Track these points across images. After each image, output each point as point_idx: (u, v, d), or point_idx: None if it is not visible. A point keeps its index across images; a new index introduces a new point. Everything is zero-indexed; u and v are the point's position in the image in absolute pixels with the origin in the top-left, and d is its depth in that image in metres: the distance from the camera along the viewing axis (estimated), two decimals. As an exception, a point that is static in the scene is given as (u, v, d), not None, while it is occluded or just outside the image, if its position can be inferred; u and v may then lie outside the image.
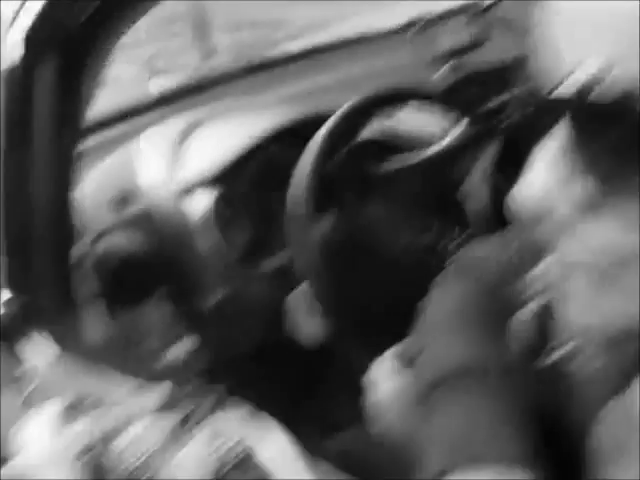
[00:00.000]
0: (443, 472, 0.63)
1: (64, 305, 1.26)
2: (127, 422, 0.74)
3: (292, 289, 1.36)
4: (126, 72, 6.18)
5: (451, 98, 1.57)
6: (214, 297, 1.35)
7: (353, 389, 1.09)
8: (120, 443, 0.71)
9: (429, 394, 0.73)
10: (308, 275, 1.19)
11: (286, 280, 1.36)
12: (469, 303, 0.83)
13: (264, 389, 1.07)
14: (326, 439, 1.19)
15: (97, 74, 1.12)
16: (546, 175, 0.51)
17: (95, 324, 1.29)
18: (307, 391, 1.48)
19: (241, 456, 0.69)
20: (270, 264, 1.43)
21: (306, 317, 1.31)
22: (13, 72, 1.07)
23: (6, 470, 0.71)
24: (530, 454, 0.64)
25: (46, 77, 1.07)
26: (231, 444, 0.69)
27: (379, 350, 1.05)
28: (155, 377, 1.31)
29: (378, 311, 1.25)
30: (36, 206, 1.17)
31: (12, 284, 1.26)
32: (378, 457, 1.04)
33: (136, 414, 0.74)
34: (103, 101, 1.97)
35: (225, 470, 0.67)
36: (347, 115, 1.26)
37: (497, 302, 0.83)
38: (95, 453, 0.71)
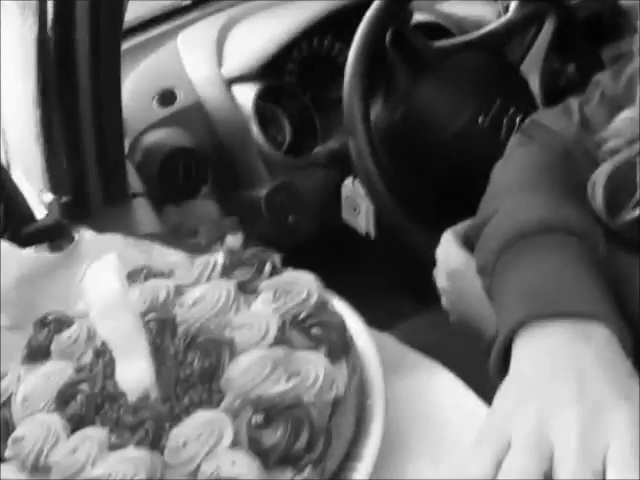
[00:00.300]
0: (521, 323, 0.61)
1: (110, 203, 1.24)
2: (187, 286, 0.71)
3: (346, 176, 1.33)
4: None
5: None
6: (264, 189, 1.31)
7: (413, 274, 1.06)
8: (184, 302, 0.68)
9: (505, 251, 0.69)
10: (360, 163, 1.14)
11: (340, 167, 1.32)
12: (543, 165, 0.80)
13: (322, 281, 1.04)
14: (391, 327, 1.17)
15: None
16: None
17: (142, 220, 1.26)
18: (366, 279, 1.45)
19: (317, 303, 0.67)
20: (321, 152, 1.39)
21: (361, 204, 1.28)
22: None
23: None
24: (608, 311, 0.61)
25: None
26: (303, 296, 0.66)
27: (438, 232, 1.02)
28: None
29: (435, 193, 1.21)
30: (81, 105, 1.14)
31: (54, 186, 1.25)
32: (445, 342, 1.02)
33: (195, 279, 0.71)
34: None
35: (300, 318, 0.65)
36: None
37: (571, 164, 0.80)
38: (161, 310, 0.69)
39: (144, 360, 0.63)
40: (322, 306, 0.68)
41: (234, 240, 1.34)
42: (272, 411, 0.58)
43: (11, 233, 1.13)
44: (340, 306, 0.73)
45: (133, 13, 1.88)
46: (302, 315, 0.65)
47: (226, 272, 0.72)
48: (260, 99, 1.40)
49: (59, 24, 1.06)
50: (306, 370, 0.60)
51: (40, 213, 1.24)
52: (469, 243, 0.95)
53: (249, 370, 0.60)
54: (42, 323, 0.73)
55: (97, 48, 1.09)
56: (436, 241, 1.00)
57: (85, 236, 1.03)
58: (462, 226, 0.98)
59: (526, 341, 0.61)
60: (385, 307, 1.39)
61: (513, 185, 0.80)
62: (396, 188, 1.09)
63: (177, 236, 1.28)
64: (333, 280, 0.98)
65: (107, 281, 0.64)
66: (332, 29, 1.51)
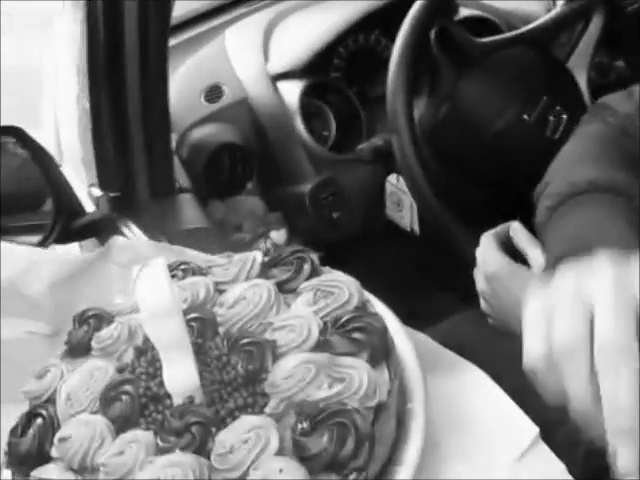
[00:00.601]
0: (559, 259, 0.61)
1: (157, 197, 1.25)
2: (226, 283, 0.71)
3: (390, 172, 1.32)
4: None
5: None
6: (308, 184, 1.31)
7: (456, 272, 1.05)
8: (225, 301, 0.68)
9: (557, 208, 0.75)
10: (403, 162, 1.14)
11: (384, 164, 1.31)
12: (600, 138, 0.85)
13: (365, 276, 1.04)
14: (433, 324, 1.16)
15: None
16: None
17: (188, 216, 1.27)
18: (410, 275, 1.45)
19: (358, 306, 0.66)
20: (365, 149, 1.38)
21: (405, 201, 1.27)
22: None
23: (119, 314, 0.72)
24: None
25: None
26: (344, 299, 0.66)
27: (481, 231, 1.01)
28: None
29: (479, 192, 1.20)
30: (129, 100, 1.16)
31: (103, 181, 1.26)
32: (486, 340, 1.01)
33: (234, 277, 0.71)
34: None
35: (341, 321, 0.65)
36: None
37: (628, 139, 0.83)
38: (201, 309, 0.69)
39: (191, 363, 0.62)
40: (363, 309, 0.67)
41: (278, 235, 1.36)
42: (317, 417, 0.58)
43: (61, 227, 1.15)
44: (379, 307, 0.72)
45: (182, 9, 1.91)
46: (344, 318, 0.65)
47: (264, 271, 0.72)
48: (305, 95, 1.40)
49: (108, 20, 1.07)
50: (350, 376, 0.60)
51: (89, 208, 1.26)
52: (508, 246, 0.96)
53: (293, 374, 0.60)
54: (81, 319, 0.73)
55: (145, 44, 1.10)
56: (479, 241, 1.00)
57: (116, 241, 1.03)
58: (502, 228, 0.98)
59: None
60: (428, 303, 1.39)
61: (572, 154, 0.85)
62: (440, 187, 1.08)
63: (222, 231, 1.29)
64: (376, 275, 0.98)
65: (157, 285, 0.64)
66: (378, 25, 1.50)
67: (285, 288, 0.70)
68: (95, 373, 0.66)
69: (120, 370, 0.66)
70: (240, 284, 0.70)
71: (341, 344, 0.63)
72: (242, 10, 1.84)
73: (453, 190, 1.13)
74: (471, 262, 0.99)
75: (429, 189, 1.11)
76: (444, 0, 1.24)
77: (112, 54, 1.11)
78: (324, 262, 0.75)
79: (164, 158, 1.22)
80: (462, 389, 0.71)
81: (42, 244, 1.15)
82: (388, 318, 0.71)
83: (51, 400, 0.67)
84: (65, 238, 1.21)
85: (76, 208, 1.22)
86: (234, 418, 0.59)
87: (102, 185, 1.25)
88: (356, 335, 0.63)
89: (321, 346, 0.63)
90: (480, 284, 0.96)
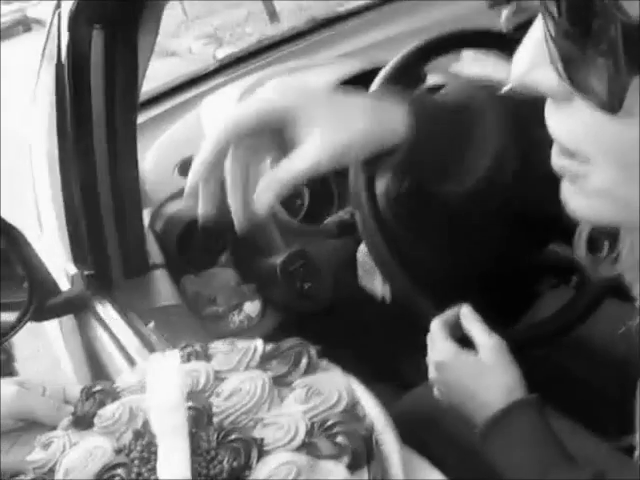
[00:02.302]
0: None
1: (130, 276, 1.25)
2: (227, 372, 0.74)
3: (361, 242, 1.30)
4: (194, 45, 6.23)
5: (517, 41, 1.48)
6: (280, 256, 1.31)
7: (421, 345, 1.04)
8: (222, 392, 0.71)
9: None
10: (366, 237, 1.13)
11: (352, 236, 1.30)
12: None
13: (336, 346, 1.03)
14: (398, 396, 1.15)
15: (148, 44, 1.08)
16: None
17: (162, 292, 1.27)
18: (382, 347, 1.44)
19: (347, 408, 0.68)
20: (331, 223, 1.38)
21: (372, 273, 1.27)
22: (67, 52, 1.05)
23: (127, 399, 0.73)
24: None
25: (97, 52, 1.04)
26: (333, 401, 0.68)
27: (443, 307, 1.00)
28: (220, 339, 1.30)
29: (449, 264, 1.19)
30: (100, 181, 1.16)
31: (76, 258, 1.26)
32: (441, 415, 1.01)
33: (234, 366, 0.74)
34: (172, 72, 1.98)
35: (327, 424, 0.66)
36: (404, 60, 1.19)
37: None
38: (199, 398, 0.70)
39: (185, 454, 0.63)
40: (351, 412, 0.68)
41: (252, 307, 1.35)
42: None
43: (36, 305, 1.15)
44: (370, 406, 0.73)
45: (158, 80, 1.92)
46: (330, 422, 0.66)
47: (263, 362, 0.74)
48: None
49: (75, 104, 1.08)
50: None
51: (65, 285, 1.26)
52: (457, 332, 0.95)
53: (274, 474, 0.61)
54: (88, 393, 0.77)
55: (112, 123, 1.10)
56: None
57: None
58: (451, 313, 0.98)
59: None
60: (400, 373, 1.38)
61: None
62: (404, 259, 1.07)
63: (195, 306, 1.28)
64: (351, 345, 0.97)
65: (170, 378, 0.65)
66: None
67: (281, 382, 0.72)
68: (94, 451, 0.68)
69: (118, 451, 0.68)
70: (238, 374, 0.72)
71: (325, 447, 0.64)
72: (219, 80, 1.86)
73: (422, 265, 1.12)
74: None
75: (393, 263, 1.09)
76: (411, 69, 1.23)
77: (80, 132, 1.11)
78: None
79: (136, 237, 1.21)
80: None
81: (19, 322, 1.15)
82: (377, 418, 0.71)
83: (52, 470, 0.69)
84: (41, 316, 1.21)
85: (50, 286, 1.22)
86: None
87: (76, 262, 1.25)
88: (339, 439, 0.64)
89: (306, 447, 0.64)
90: (430, 371, 0.96)
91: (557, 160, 0.47)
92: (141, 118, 1.69)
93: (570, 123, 0.44)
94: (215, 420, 0.68)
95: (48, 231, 1.45)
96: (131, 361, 1.05)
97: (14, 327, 1.13)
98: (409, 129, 0.65)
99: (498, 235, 1.11)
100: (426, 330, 1.02)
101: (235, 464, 0.63)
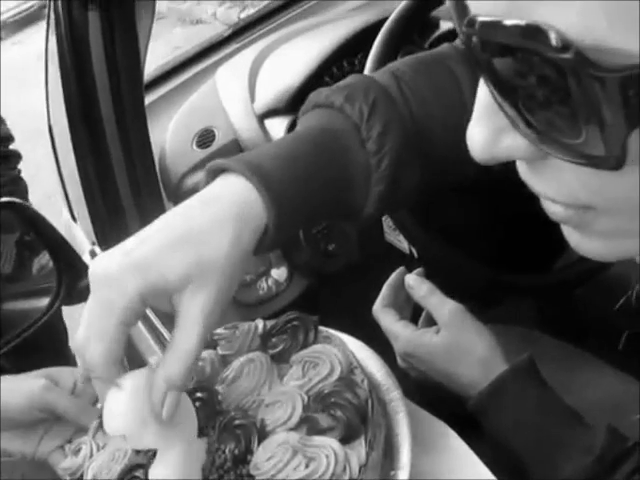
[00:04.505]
0: None
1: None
2: (231, 355, 0.74)
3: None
4: (218, 10, 6.16)
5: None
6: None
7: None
8: (226, 378, 0.71)
9: None
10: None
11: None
12: None
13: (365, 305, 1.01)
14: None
15: (146, 21, 1.05)
16: None
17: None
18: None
19: (342, 376, 0.67)
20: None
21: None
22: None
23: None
24: None
25: (95, 34, 1.02)
26: (326, 371, 0.67)
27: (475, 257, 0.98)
28: (250, 307, 1.28)
29: (471, 222, 1.16)
30: (113, 161, 1.14)
31: (101, 240, 1.26)
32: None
33: (238, 349, 0.74)
34: (200, 40, 1.94)
35: (322, 395, 0.65)
36: (409, 10, 1.15)
37: None
38: (206, 388, 0.71)
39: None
40: (347, 379, 0.67)
41: (279, 273, 1.33)
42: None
43: (66, 288, 1.15)
44: (373, 365, 0.73)
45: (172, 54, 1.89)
46: (324, 392, 0.65)
47: (264, 341, 0.74)
48: (294, 128, 1.36)
49: (82, 91, 1.07)
50: (319, 456, 0.60)
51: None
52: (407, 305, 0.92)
53: (273, 456, 0.61)
54: None
55: (119, 100, 1.08)
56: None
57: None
58: (386, 292, 0.95)
59: None
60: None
61: None
62: (429, 221, 1.04)
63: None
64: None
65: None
66: (360, 47, 1.45)
67: (280, 359, 0.72)
68: (116, 454, 0.69)
69: (137, 451, 0.68)
70: (240, 358, 0.73)
71: (323, 419, 0.63)
72: (234, 46, 1.82)
73: (442, 217, 1.09)
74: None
75: (414, 223, 1.07)
76: (410, 26, 1.19)
77: (87, 110, 1.10)
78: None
79: (156, 212, 1.20)
80: (447, 466, 0.68)
81: (51, 306, 1.15)
82: (384, 378, 0.72)
83: (82, 477, 0.70)
84: (73, 299, 1.20)
85: (80, 269, 1.22)
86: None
87: (101, 243, 1.25)
88: (333, 411, 0.64)
89: (305, 422, 0.64)
90: (398, 359, 0.92)
91: (553, 211, 0.41)
92: (161, 90, 1.67)
93: (558, 181, 0.38)
94: (221, 407, 0.69)
95: (79, 214, 1.44)
96: (162, 343, 1.04)
97: (46, 312, 1.13)
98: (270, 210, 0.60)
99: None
100: (457, 283, 1.00)
101: (237, 451, 0.62)
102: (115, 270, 0.56)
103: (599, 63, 0.30)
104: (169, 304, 0.58)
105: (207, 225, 0.58)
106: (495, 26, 0.32)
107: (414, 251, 1.28)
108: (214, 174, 0.64)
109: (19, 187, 1.70)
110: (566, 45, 0.30)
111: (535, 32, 0.31)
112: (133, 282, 0.55)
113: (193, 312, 0.56)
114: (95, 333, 0.56)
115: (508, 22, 0.32)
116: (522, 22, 0.31)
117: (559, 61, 0.31)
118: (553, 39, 0.30)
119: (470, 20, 0.34)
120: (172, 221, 0.60)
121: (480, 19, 0.33)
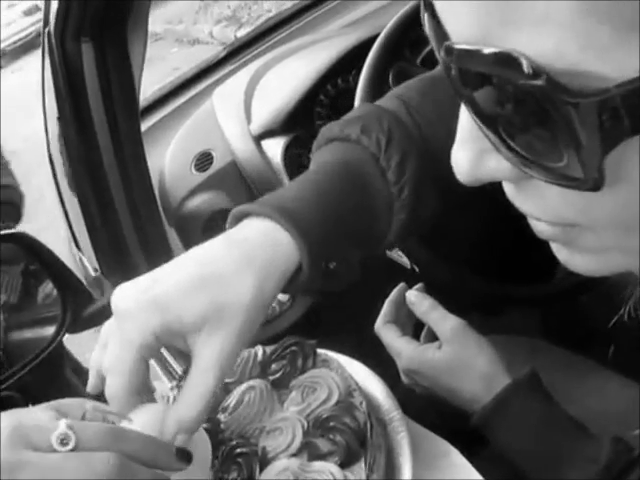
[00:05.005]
0: None
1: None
2: (232, 383, 0.74)
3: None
4: (215, 29, 6.19)
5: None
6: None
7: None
8: (227, 406, 0.71)
9: None
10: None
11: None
12: None
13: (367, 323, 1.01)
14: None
15: (139, 47, 1.06)
16: None
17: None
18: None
19: (340, 399, 0.68)
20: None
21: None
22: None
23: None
24: None
25: (89, 65, 1.03)
26: (324, 396, 0.68)
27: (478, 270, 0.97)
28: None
29: (469, 234, 1.16)
30: (111, 188, 1.15)
31: (103, 269, 1.26)
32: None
33: (238, 377, 0.74)
34: (198, 60, 1.95)
35: (321, 420, 0.65)
36: (400, 24, 1.16)
37: None
38: (209, 418, 0.70)
39: None
40: (344, 402, 0.67)
41: (282, 295, 1.33)
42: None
43: (71, 317, 1.15)
44: (373, 386, 0.73)
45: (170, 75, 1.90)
46: (323, 417, 0.65)
47: (264, 367, 0.74)
48: (294, 148, 1.36)
49: (78, 122, 1.07)
50: None
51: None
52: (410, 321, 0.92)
53: None
54: None
55: (115, 128, 1.09)
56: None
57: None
58: (388, 309, 0.94)
59: None
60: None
61: None
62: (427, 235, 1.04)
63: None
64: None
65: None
66: (354, 64, 1.45)
67: (281, 384, 0.72)
68: None
69: None
70: (241, 385, 0.73)
71: (322, 444, 0.64)
72: (230, 67, 1.82)
73: (440, 231, 1.09)
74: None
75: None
76: (401, 42, 1.19)
77: (84, 140, 1.10)
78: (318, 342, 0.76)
79: (158, 238, 1.21)
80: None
81: (56, 335, 1.15)
82: (384, 399, 0.72)
83: None
84: (78, 327, 1.21)
85: (84, 296, 1.22)
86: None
87: (104, 272, 1.25)
88: (332, 435, 0.64)
89: (306, 448, 0.64)
90: (402, 375, 0.91)
91: (539, 229, 0.42)
92: (159, 114, 1.68)
93: (543, 200, 0.38)
94: (224, 436, 0.69)
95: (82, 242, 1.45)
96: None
97: (52, 341, 1.13)
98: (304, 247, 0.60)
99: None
100: (457, 297, 0.99)
101: (239, 478, 0.63)
102: (134, 306, 0.56)
103: (572, 88, 0.30)
104: (185, 344, 0.58)
105: (231, 268, 0.57)
106: (471, 54, 0.33)
107: (415, 267, 1.28)
108: (237, 220, 0.63)
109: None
110: (537, 72, 0.30)
111: (507, 59, 0.31)
112: (150, 320, 0.56)
113: (209, 355, 0.56)
114: (114, 366, 0.57)
115: (483, 50, 0.32)
116: (495, 50, 0.31)
117: (531, 88, 0.31)
118: (525, 66, 0.30)
119: (447, 48, 0.34)
120: (195, 260, 0.59)
121: (457, 47, 0.33)
